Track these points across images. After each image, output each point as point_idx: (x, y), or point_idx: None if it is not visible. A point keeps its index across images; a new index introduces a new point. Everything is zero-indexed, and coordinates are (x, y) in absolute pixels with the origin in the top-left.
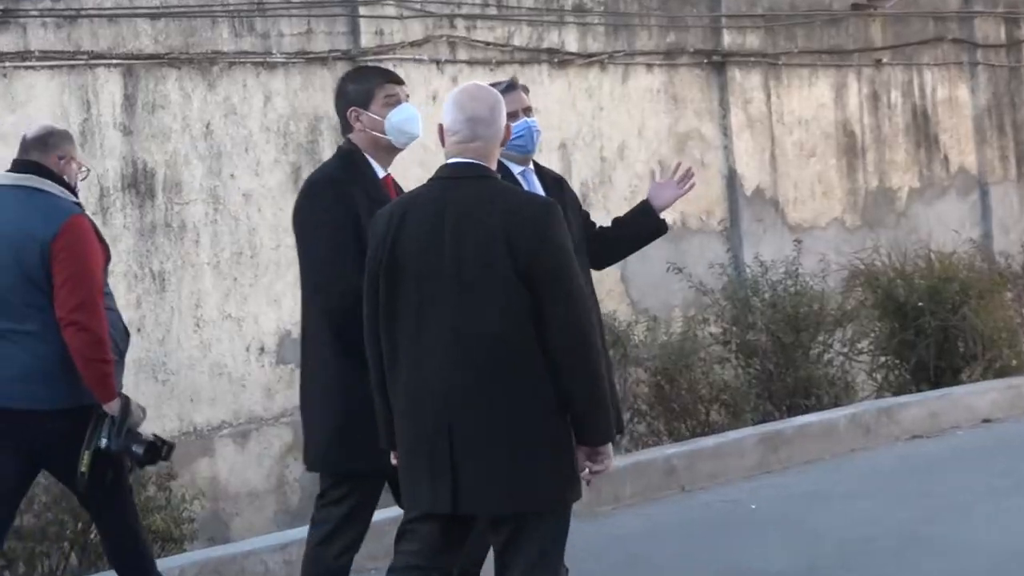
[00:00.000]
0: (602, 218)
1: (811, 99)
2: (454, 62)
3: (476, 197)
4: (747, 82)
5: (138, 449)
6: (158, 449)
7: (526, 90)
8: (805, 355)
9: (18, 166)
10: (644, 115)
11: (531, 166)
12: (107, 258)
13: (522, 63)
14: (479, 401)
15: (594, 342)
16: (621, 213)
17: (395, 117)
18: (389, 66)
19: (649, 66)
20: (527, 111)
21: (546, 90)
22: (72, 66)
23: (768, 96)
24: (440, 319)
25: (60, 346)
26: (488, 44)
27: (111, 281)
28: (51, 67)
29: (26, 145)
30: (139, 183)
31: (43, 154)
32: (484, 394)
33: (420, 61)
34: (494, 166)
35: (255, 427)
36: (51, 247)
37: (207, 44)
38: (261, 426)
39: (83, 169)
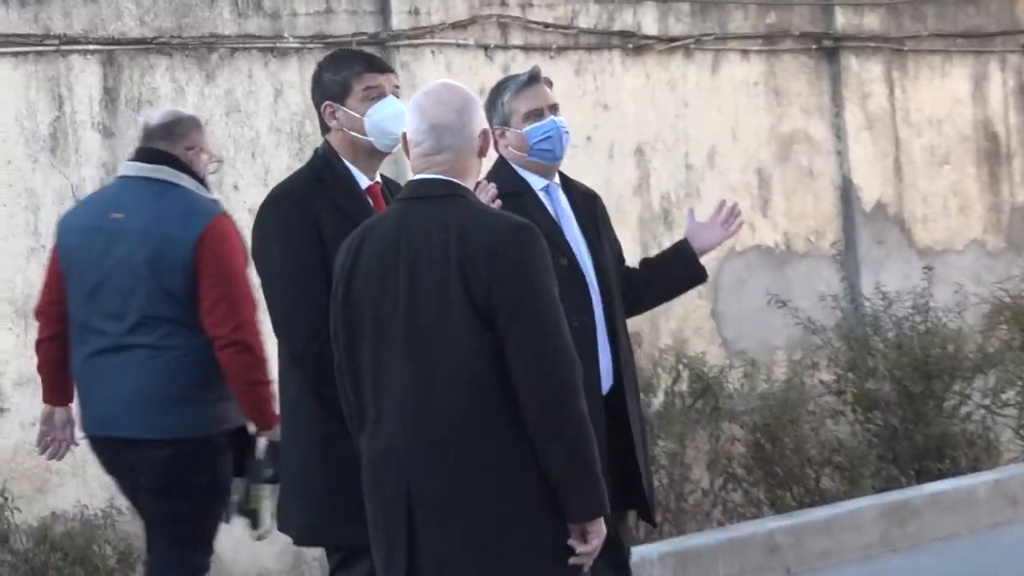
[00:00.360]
0: None
1: (944, 93)
2: (505, 47)
3: (435, 221)
4: (865, 72)
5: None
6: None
7: (549, 83)
8: (938, 408)
9: (146, 155)
10: (739, 113)
11: (557, 179)
12: (245, 258)
13: (589, 49)
14: (439, 467)
15: (571, 393)
16: None
17: (376, 114)
18: (426, 53)
19: (745, 52)
20: (553, 108)
21: (618, 82)
22: (40, 52)
23: (891, 90)
24: (396, 368)
25: (182, 365)
26: (547, 26)
27: None
28: (14, 54)
29: (149, 133)
30: None
31: (169, 143)
32: (444, 458)
33: (464, 46)
34: (471, 181)
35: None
36: (195, 254)
37: (204, 26)
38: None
39: (213, 161)
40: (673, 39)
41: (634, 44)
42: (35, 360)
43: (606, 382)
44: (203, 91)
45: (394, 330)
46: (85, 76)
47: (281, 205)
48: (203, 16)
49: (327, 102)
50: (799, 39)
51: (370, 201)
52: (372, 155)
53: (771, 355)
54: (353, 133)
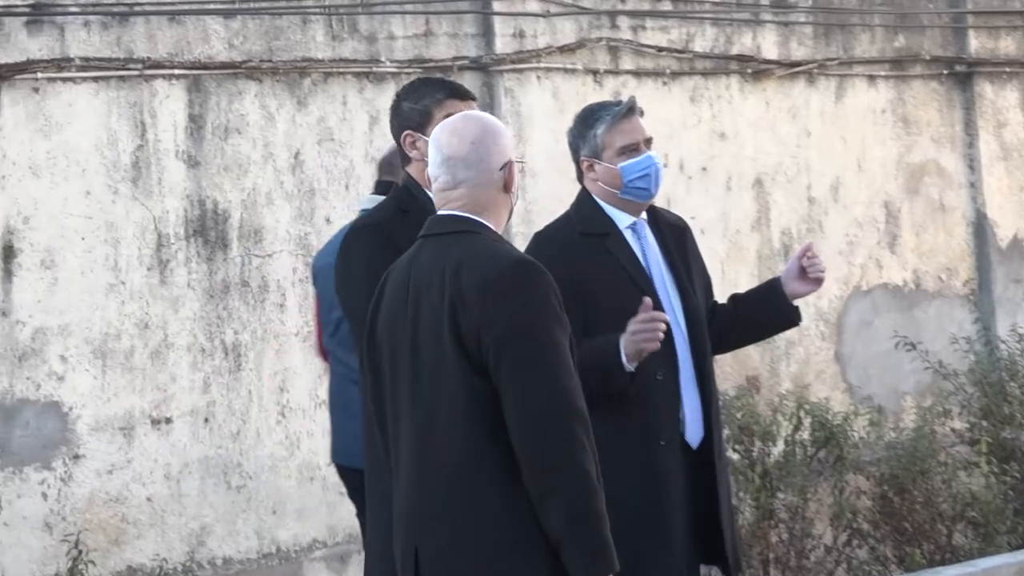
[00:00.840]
0: None
1: None
2: (616, 72)
3: (440, 259)
4: (1001, 99)
5: None
6: None
7: (641, 113)
8: None
9: (379, 188)
10: (865, 142)
11: (644, 216)
12: None
13: (705, 74)
14: (440, 527)
15: (567, 447)
16: (835, 271)
17: None
18: (532, 78)
19: (872, 78)
20: (648, 143)
21: (736, 109)
22: (122, 77)
23: None
24: (405, 417)
25: None
26: (660, 50)
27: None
28: (95, 79)
29: (380, 165)
30: (207, 229)
31: (395, 175)
32: (444, 518)
33: (572, 71)
34: (495, 217)
35: (356, 548)
36: None
37: (296, 49)
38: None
39: None
40: (795, 63)
41: (753, 69)
42: (112, 404)
43: (695, 434)
44: (294, 118)
45: (404, 376)
46: (169, 102)
47: (367, 235)
48: (295, 39)
49: (407, 131)
50: (929, 64)
51: None
52: None
53: (899, 401)
54: None
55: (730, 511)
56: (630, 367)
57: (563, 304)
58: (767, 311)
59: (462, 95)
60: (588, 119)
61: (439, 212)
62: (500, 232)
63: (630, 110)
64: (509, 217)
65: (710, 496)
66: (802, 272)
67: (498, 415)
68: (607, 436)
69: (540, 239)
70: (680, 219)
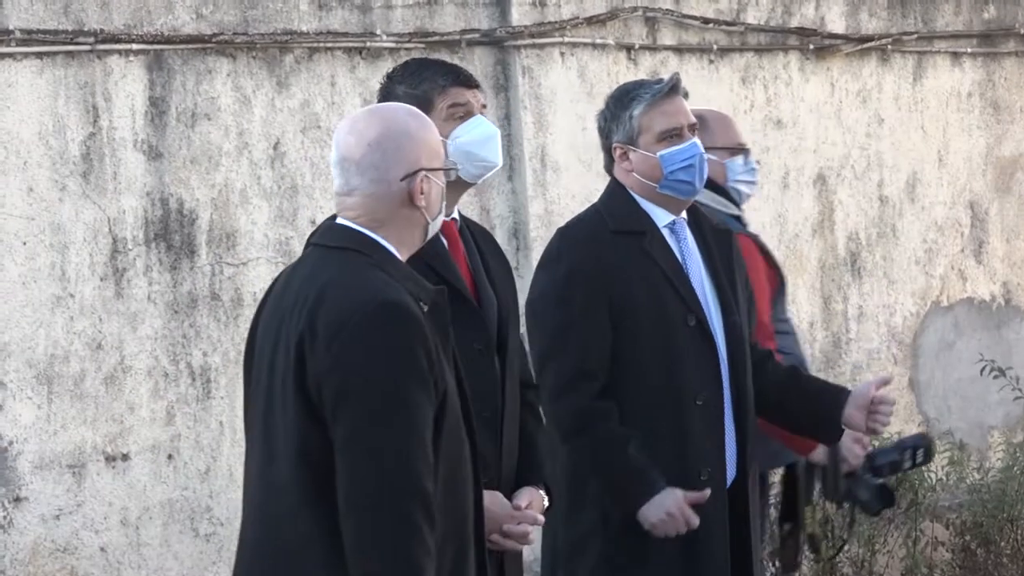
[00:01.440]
0: (882, 291)
1: None
2: (654, 48)
3: (312, 280)
4: None
5: (865, 495)
6: (888, 491)
7: (686, 94)
8: None
9: None
10: (948, 131)
11: (684, 215)
12: (780, 281)
13: (758, 51)
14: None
15: (398, 527)
16: (910, 283)
17: (463, 136)
18: (554, 54)
19: (956, 55)
20: (693, 128)
21: (795, 92)
22: (70, 53)
23: None
24: (256, 439)
25: None
26: (706, 22)
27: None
28: (39, 55)
29: None
30: (171, 233)
31: None
32: (265, 566)
33: (602, 47)
34: (399, 238)
35: None
36: None
37: (276, 20)
38: None
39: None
40: (865, 38)
41: (816, 44)
42: (59, 437)
43: (729, 471)
44: (273, 102)
45: (260, 396)
46: (126, 83)
47: None
48: (275, 8)
49: None
50: None
51: (443, 241)
52: (453, 187)
53: (985, 437)
54: None
55: (760, 562)
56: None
57: (435, 358)
58: (816, 411)
59: (468, 83)
60: (623, 99)
61: (332, 220)
62: (407, 253)
63: (673, 89)
64: (426, 238)
65: (741, 543)
66: (868, 406)
67: (332, 472)
68: None
69: (565, 238)
70: (726, 224)
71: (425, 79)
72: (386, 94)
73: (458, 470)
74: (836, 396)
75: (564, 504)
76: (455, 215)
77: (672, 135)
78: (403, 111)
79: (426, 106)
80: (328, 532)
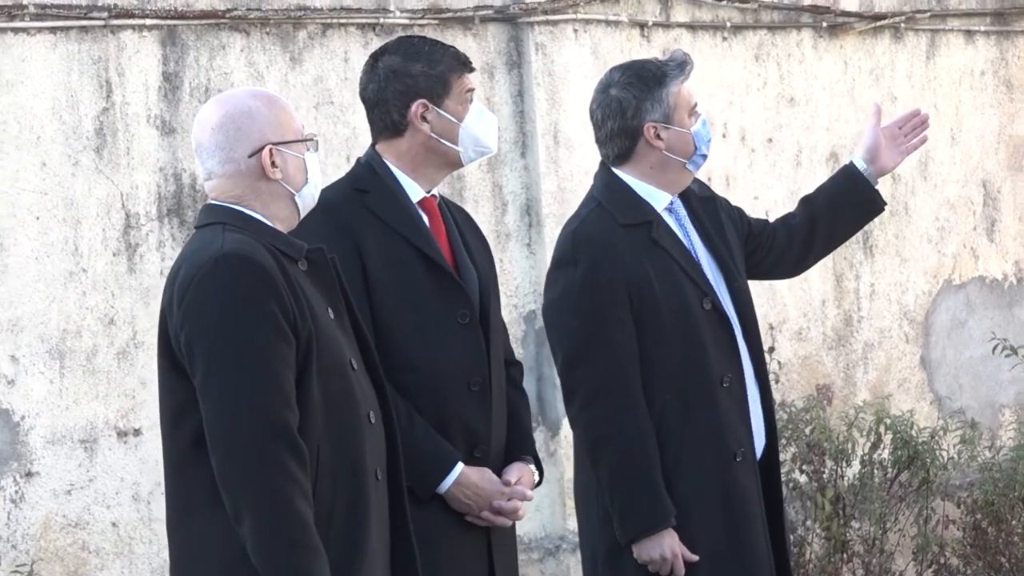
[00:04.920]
0: (894, 269)
1: None
2: (667, 25)
3: (176, 261)
4: None
5: None
6: None
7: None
8: None
9: None
10: (961, 110)
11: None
12: None
13: (772, 28)
14: (170, 544)
15: (260, 462)
16: (922, 262)
17: (475, 121)
18: (567, 31)
19: (970, 34)
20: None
21: (808, 70)
22: (84, 28)
23: None
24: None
25: None
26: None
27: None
28: (52, 30)
29: None
30: (184, 208)
31: None
32: (169, 534)
33: (615, 24)
34: (267, 208)
35: None
36: None
37: None
38: None
39: None
40: (878, 16)
41: (829, 22)
42: (71, 412)
43: (759, 444)
44: (287, 78)
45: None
46: (140, 58)
47: (313, 218)
48: None
49: (422, 100)
50: None
51: (423, 215)
52: (446, 167)
53: (996, 416)
54: (444, 141)
55: (789, 531)
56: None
57: (290, 303)
58: (847, 197)
59: (472, 67)
60: (656, 76)
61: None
62: (284, 225)
63: (681, 65)
64: (301, 209)
65: (774, 517)
66: (892, 141)
67: (202, 425)
68: (672, 457)
69: (578, 239)
70: (706, 188)
71: (440, 60)
72: (393, 71)
73: (347, 409)
74: (851, 176)
75: (597, 505)
76: (435, 192)
77: (695, 112)
78: (245, 94)
79: (445, 88)
80: (210, 486)
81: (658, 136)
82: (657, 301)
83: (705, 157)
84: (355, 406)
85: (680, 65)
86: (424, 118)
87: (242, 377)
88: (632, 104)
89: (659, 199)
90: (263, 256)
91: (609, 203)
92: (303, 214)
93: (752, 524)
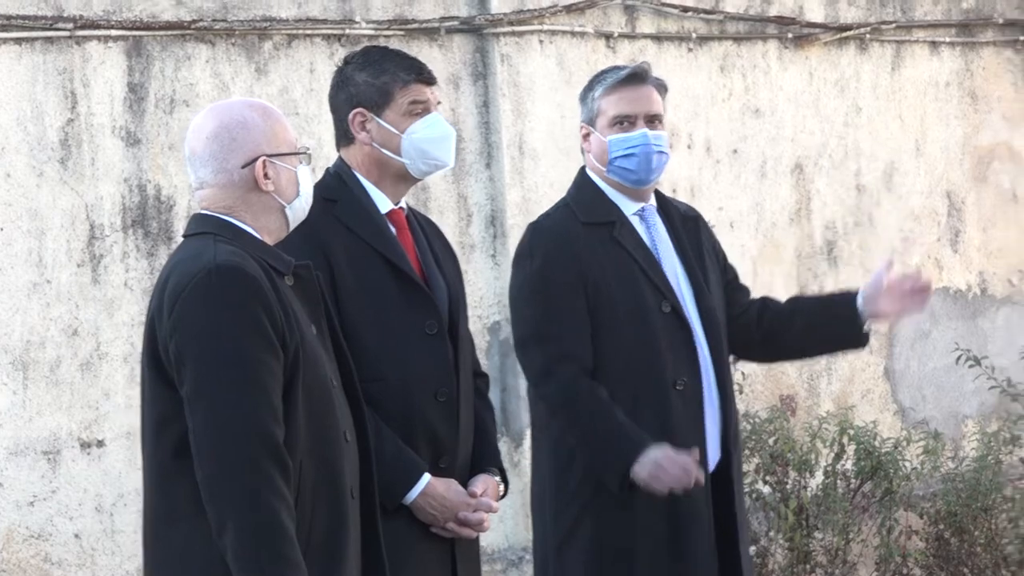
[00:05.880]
0: (858, 280)
1: None
2: (632, 36)
3: (164, 270)
4: None
5: None
6: None
7: (661, 87)
8: None
9: None
10: (926, 121)
11: (653, 201)
12: None
13: (737, 39)
14: (147, 552)
15: (246, 472)
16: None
17: (419, 133)
18: (533, 42)
19: (934, 45)
20: (652, 120)
21: (774, 81)
22: (49, 39)
23: None
24: (143, 417)
25: None
26: (685, 10)
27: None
28: (17, 40)
29: None
30: (149, 219)
31: None
32: (146, 543)
33: (581, 34)
34: (257, 220)
35: None
36: None
37: (255, 7)
38: None
39: None
40: (844, 27)
41: (795, 33)
42: (35, 424)
43: (713, 455)
44: (252, 88)
45: (142, 377)
46: (105, 69)
47: None
48: None
49: (359, 109)
50: (1003, 28)
51: (391, 228)
52: (401, 179)
53: (960, 426)
54: (385, 151)
55: (747, 546)
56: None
57: (280, 316)
58: (835, 326)
59: (428, 79)
60: (594, 80)
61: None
62: (272, 237)
63: (634, 76)
64: (290, 221)
65: (726, 530)
66: (893, 294)
67: (186, 435)
68: None
69: (537, 231)
70: (691, 209)
71: (386, 70)
72: (346, 79)
73: (328, 426)
74: (845, 298)
75: (551, 497)
76: (403, 205)
77: (624, 121)
78: (240, 104)
79: (386, 98)
80: (192, 496)
81: (586, 139)
82: (612, 299)
83: (629, 172)
84: (335, 423)
85: (617, 74)
86: (364, 127)
87: (232, 389)
88: (580, 106)
89: (627, 205)
90: (255, 269)
91: (575, 202)
92: (292, 226)
93: (696, 525)
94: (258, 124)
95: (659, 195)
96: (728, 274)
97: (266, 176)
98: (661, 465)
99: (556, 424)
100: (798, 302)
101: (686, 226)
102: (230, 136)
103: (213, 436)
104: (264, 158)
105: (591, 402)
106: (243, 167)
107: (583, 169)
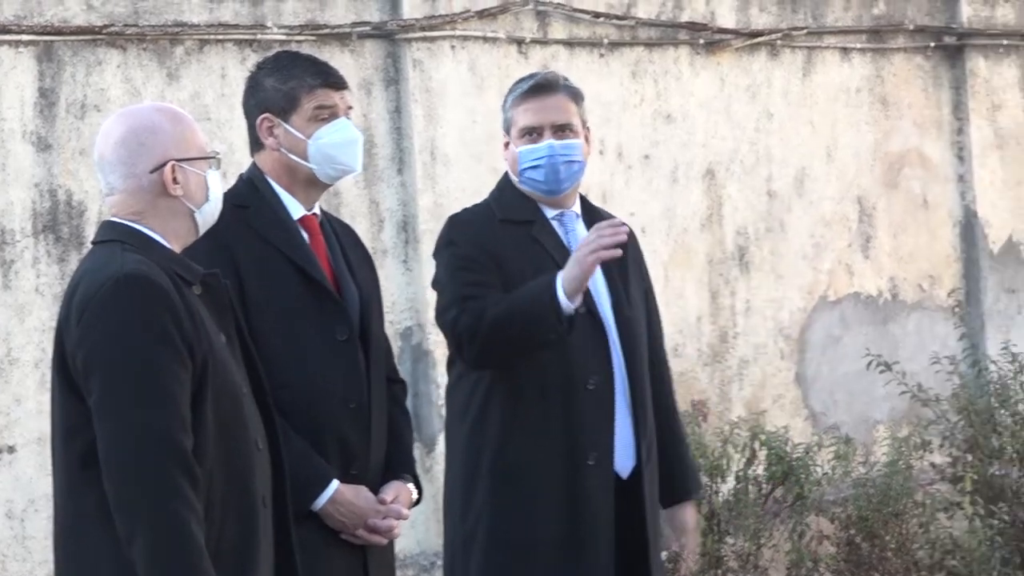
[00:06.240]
0: (770, 285)
1: None
2: (544, 42)
3: (73, 279)
4: (996, 77)
5: None
6: None
7: (576, 95)
8: None
9: None
10: (837, 127)
11: (575, 208)
12: None
13: (649, 45)
14: (56, 560)
15: (154, 482)
16: (798, 278)
17: (324, 138)
18: (445, 47)
19: (845, 51)
20: (559, 130)
21: (685, 87)
22: None
23: None
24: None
25: None
26: (597, 16)
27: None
28: None
29: None
30: (59, 224)
31: None
32: (57, 550)
33: (492, 40)
34: (165, 226)
35: None
36: None
37: (167, 12)
38: None
39: None
40: (755, 33)
41: (706, 39)
42: None
43: (625, 462)
44: (164, 94)
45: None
46: (15, 74)
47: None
48: (165, 0)
49: (266, 114)
50: (914, 35)
51: (304, 234)
52: (311, 185)
53: (870, 431)
54: (292, 156)
55: (658, 554)
56: (570, 305)
57: (188, 326)
58: (665, 486)
59: (336, 84)
60: (510, 90)
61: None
62: (180, 242)
63: (539, 87)
64: (200, 226)
65: (637, 536)
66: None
67: (94, 444)
68: (526, 454)
69: (455, 223)
70: (626, 226)
71: (294, 76)
72: (255, 85)
73: (238, 434)
74: (680, 494)
75: (458, 500)
76: (316, 211)
77: (530, 132)
78: (149, 109)
79: (292, 103)
80: (100, 506)
81: (506, 147)
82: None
83: (538, 182)
84: (245, 432)
85: (523, 86)
86: (271, 133)
87: (139, 399)
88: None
89: (548, 210)
90: (162, 278)
91: (495, 202)
92: (203, 231)
93: (595, 526)
94: (166, 129)
95: (587, 203)
96: (651, 314)
97: (175, 181)
98: (589, 242)
99: (478, 339)
100: (662, 442)
101: None
102: (138, 141)
103: (121, 447)
104: (173, 163)
105: (496, 302)
106: (151, 172)
107: (507, 173)
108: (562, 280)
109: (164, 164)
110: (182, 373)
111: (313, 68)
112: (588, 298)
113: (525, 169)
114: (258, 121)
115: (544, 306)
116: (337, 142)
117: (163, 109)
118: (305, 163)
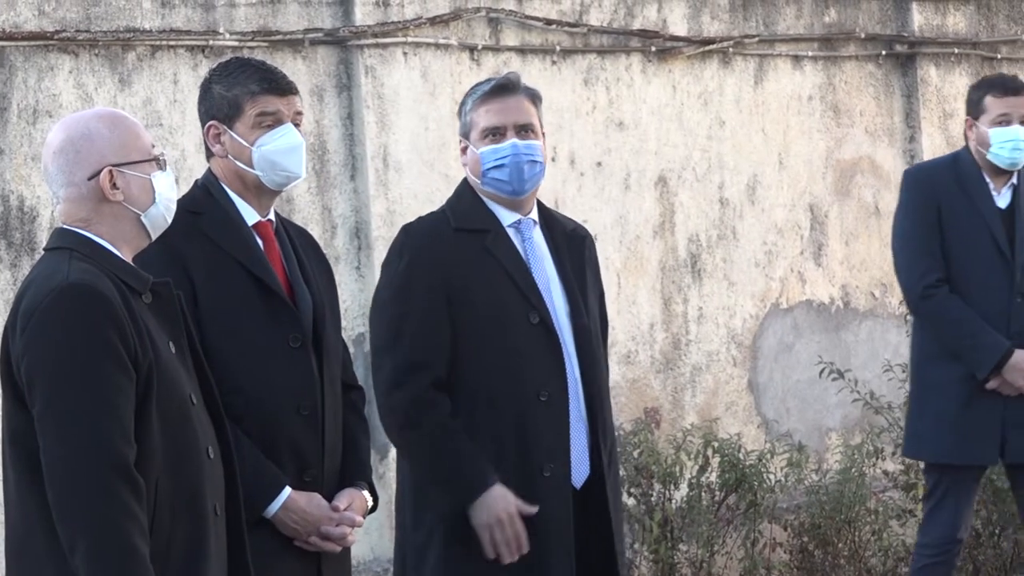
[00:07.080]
0: (722, 293)
1: None
2: (496, 49)
3: (21, 286)
4: (948, 85)
5: None
6: None
7: (533, 97)
8: None
9: None
10: (788, 134)
11: (534, 214)
12: None
13: (601, 52)
14: (7, 569)
15: (94, 493)
16: (750, 285)
17: (267, 145)
18: (397, 54)
19: (797, 59)
20: (522, 130)
21: (637, 94)
22: None
23: None
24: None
25: None
26: (549, 23)
27: None
28: None
29: None
30: (11, 230)
31: None
32: (7, 557)
33: (445, 47)
34: (112, 232)
35: None
36: None
37: (118, 18)
38: None
39: None
40: (707, 41)
41: (658, 47)
42: None
43: (580, 471)
44: (116, 99)
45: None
46: None
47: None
48: (117, 5)
49: (212, 121)
50: (865, 43)
51: (258, 239)
52: (261, 191)
53: (823, 439)
54: (239, 163)
55: (623, 563)
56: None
57: (132, 335)
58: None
59: (281, 90)
60: (467, 93)
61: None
62: (129, 248)
63: (502, 87)
64: (149, 230)
65: (599, 545)
66: None
67: (38, 453)
68: None
69: (407, 233)
70: (580, 228)
71: (239, 83)
72: (205, 92)
73: (186, 443)
74: None
75: (410, 509)
76: (271, 216)
77: (493, 133)
78: (89, 116)
79: (235, 110)
80: (44, 514)
81: (464, 152)
82: (475, 306)
83: (503, 182)
84: (194, 440)
85: (483, 87)
86: (218, 140)
87: (81, 410)
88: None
89: (505, 216)
90: (107, 287)
91: (451, 210)
92: (154, 234)
93: (553, 537)
94: (103, 134)
95: (545, 209)
96: (601, 316)
97: (114, 186)
98: (501, 520)
99: (401, 443)
100: None
101: (571, 243)
102: (74, 149)
103: (63, 457)
104: (110, 168)
105: (435, 423)
106: (89, 179)
107: (465, 179)
108: (475, 509)
109: (100, 171)
110: (125, 383)
111: (258, 75)
112: (543, 308)
113: (489, 170)
114: (206, 128)
115: (459, 489)
116: (280, 148)
117: (103, 115)
118: (251, 170)
